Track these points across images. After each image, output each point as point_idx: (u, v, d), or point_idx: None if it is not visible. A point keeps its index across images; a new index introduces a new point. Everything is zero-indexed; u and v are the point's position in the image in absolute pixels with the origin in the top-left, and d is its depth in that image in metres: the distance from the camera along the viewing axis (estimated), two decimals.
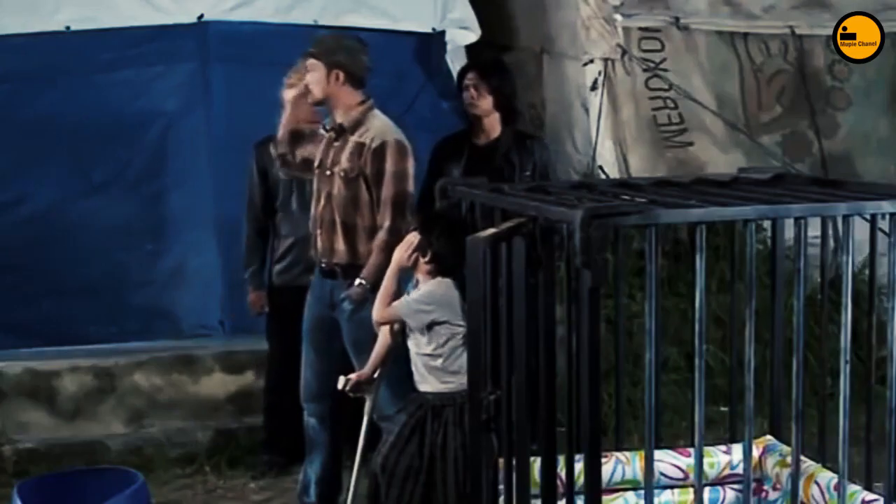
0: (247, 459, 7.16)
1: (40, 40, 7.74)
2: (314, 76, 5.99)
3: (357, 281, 5.86)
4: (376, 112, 6.08)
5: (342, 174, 5.95)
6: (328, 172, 6.01)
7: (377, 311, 5.44)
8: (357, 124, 5.99)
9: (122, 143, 7.96)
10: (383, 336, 5.59)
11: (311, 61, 5.99)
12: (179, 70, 8.06)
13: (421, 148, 8.45)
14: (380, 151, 5.92)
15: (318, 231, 6.04)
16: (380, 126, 6.01)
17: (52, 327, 7.72)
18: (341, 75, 5.97)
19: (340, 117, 6.00)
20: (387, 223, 5.89)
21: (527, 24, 9.65)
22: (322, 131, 6.15)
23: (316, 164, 6.09)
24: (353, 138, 5.97)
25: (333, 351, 6.06)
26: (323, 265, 6.05)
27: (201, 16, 8.00)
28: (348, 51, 6.03)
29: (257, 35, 8.01)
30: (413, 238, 5.37)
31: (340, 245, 5.97)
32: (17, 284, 7.75)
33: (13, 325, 7.62)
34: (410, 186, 6.00)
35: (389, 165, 5.92)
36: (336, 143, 6.02)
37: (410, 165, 6.00)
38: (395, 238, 5.77)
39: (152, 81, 8.01)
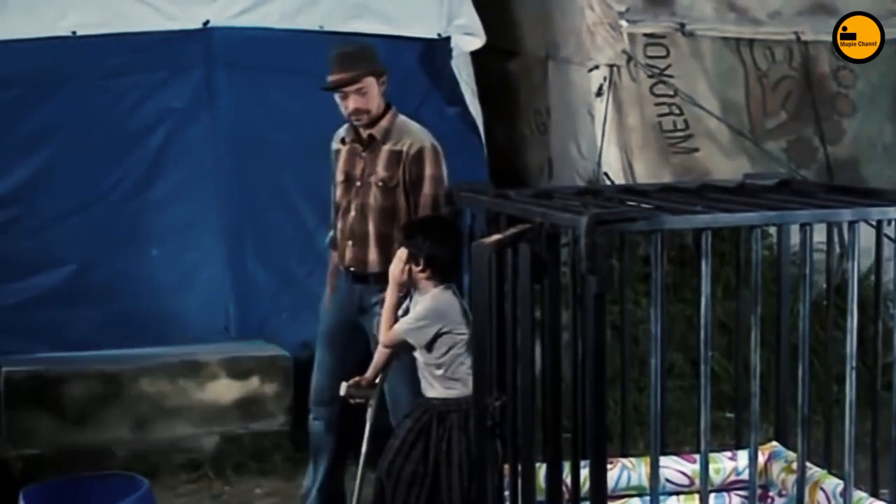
0: (252, 465, 7.16)
1: (46, 45, 7.73)
2: (371, 95, 5.92)
3: None
4: (403, 117, 6.05)
5: (380, 184, 5.93)
6: (358, 183, 5.99)
7: (382, 333, 5.44)
8: (387, 133, 5.97)
9: (127, 149, 7.95)
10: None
11: (366, 80, 5.89)
12: (185, 76, 8.04)
13: None
14: (418, 157, 5.90)
15: (349, 242, 6.02)
16: (414, 132, 6.00)
17: (57, 333, 7.72)
18: (384, 80, 5.98)
19: (370, 127, 5.98)
20: None
21: (532, 30, 9.66)
22: (337, 145, 6.15)
23: (341, 177, 6.08)
24: (387, 147, 5.94)
25: (352, 355, 6.04)
26: (352, 271, 6.06)
27: (207, 21, 8.00)
28: (377, 56, 6.04)
29: (263, 41, 8.00)
30: (403, 253, 5.37)
31: (373, 255, 5.95)
32: (23, 290, 7.75)
33: (19, 331, 7.62)
34: (444, 191, 5.95)
35: (428, 170, 5.90)
36: (364, 154, 6.00)
37: (444, 169, 5.97)
38: None
39: (158, 87, 8.00)
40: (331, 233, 6.28)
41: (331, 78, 5.93)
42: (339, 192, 6.10)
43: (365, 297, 6.00)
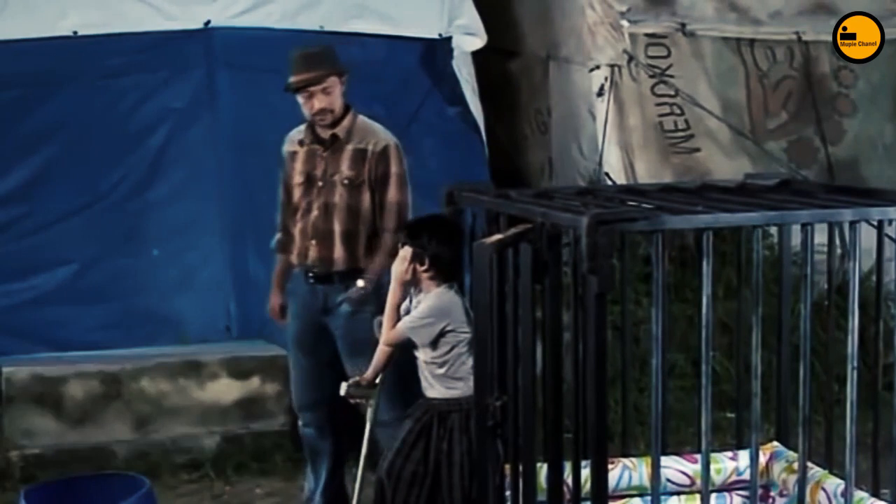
0: (253, 465, 7.16)
1: (46, 45, 7.75)
2: (335, 94, 5.98)
3: (359, 282, 5.89)
4: (362, 117, 6.10)
5: (346, 182, 5.96)
6: (320, 183, 6.01)
7: (384, 333, 5.43)
8: (350, 132, 6.01)
9: (128, 149, 7.97)
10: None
11: (330, 80, 5.95)
12: (186, 76, 8.06)
13: (427, 154, 8.48)
14: (384, 155, 5.97)
15: (312, 242, 6.02)
16: (377, 131, 6.06)
17: (57, 333, 7.72)
18: (345, 80, 6.03)
19: (332, 127, 6.00)
20: (392, 225, 5.94)
21: (533, 30, 9.66)
22: (293, 147, 6.15)
23: (300, 179, 6.08)
24: (351, 146, 5.99)
25: (324, 356, 6.07)
26: (315, 271, 6.06)
27: (208, 21, 8.01)
28: (338, 56, 6.08)
29: (263, 41, 8.01)
30: (406, 252, 5.36)
31: (339, 253, 5.98)
32: (24, 290, 7.76)
33: (20, 331, 7.62)
34: (409, 196, 6.05)
35: (394, 167, 5.98)
36: (325, 154, 6.02)
37: (406, 168, 6.05)
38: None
39: (159, 87, 8.02)
40: (277, 236, 6.28)
41: (295, 78, 5.96)
42: (297, 193, 6.10)
43: (329, 297, 6.02)
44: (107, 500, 5.17)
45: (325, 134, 6.02)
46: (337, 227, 5.98)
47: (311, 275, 6.06)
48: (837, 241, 5.11)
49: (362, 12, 8.33)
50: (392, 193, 5.97)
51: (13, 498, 5.84)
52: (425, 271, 5.33)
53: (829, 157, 9.25)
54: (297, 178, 6.09)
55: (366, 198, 5.98)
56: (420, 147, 8.47)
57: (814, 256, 4.50)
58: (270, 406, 7.38)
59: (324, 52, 6.07)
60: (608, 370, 4.16)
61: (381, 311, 5.88)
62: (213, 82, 8.06)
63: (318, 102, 5.94)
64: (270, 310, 6.35)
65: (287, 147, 6.20)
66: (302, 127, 6.13)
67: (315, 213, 6.02)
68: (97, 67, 7.86)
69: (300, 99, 5.98)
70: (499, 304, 4.50)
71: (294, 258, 6.12)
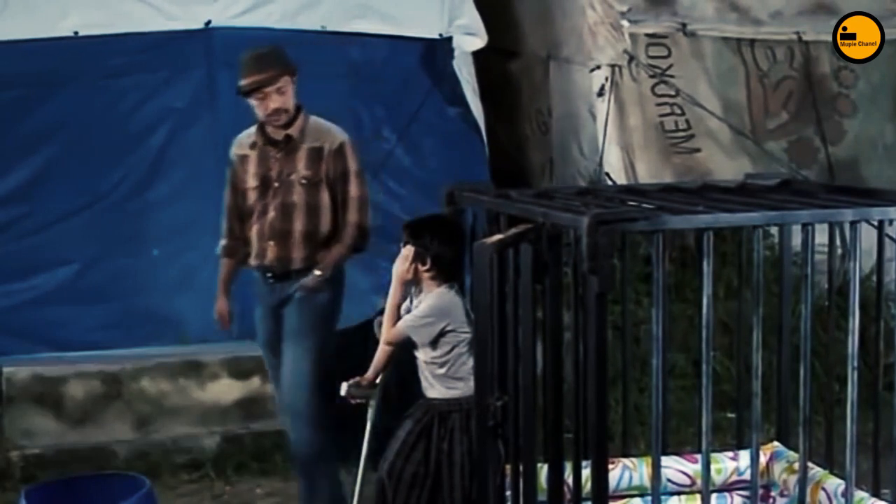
0: (253, 465, 7.16)
1: (47, 45, 7.76)
2: (288, 94, 5.96)
3: (315, 271, 5.94)
4: (313, 116, 6.08)
5: (303, 181, 5.96)
6: (276, 184, 5.99)
7: (385, 331, 5.43)
8: (303, 132, 6.00)
9: (129, 148, 7.97)
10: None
11: (283, 79, 5.93)
12: (186, 76, 8.06)
13: (427, 154, 8.48)
14: (340, 152, 5.98)
15: (270, 243, 6.02)
16: (330, 129, 6.06)
17: (58, 333, 7.72)
18: (296, 79, 6.03)
19: (286, 128, 5.98)
20: (355, 219, 5.99)
21: (533, 30, 9.66)
22: (244, 150, 6.12)
23: (254, 182, 6.05)
24: (306, 145, 5.98)
25: None
26: (273, 271, 6.05)
27: (209, 22, 8.01)
28: (287, 55, 6.06)
29: (264, 41, 7.96)
30: (408, 251, 5.36)
31: (299, 253, 5.99)
32: (24, 290, 7.76)
33: (20, 331, 7.62)
34: (367, 183, 6.11)
35: (352, 165, 6.00)
36: (279, 155, 6.00)
37: (361, 163, 6.09)
38: (362, 234, 5.97)
39: (159, 87, 8.02)
40: (222, 241, 6.27)
41: (247, 80, 5.94)
42: (252, 196, 6.07)
43: (286, 289, 6.04)
44: (107, 500, 5.18)
45: (279, 135, 6.01)
46: (296, 227, 5.98)
47: (269, 275, 6.07)
48: (838, 242, 5.11)
49: (363, 12, 8.33)
50: (353, 189, 5.99)
51: (13, 498, 5.84)
52: (427, 271, 5.33)
53: (829, 157, 9.25)
54: (251, 182, 6.07)
55: (324, 196, 5.98)
56: (420, 147, 8.49)
57: (814, 256, 4.50)
58: (270, 406, 7.36)
59: (274, 52, 6.05)
60: (608, 370, 4.16)
61: (335, 298, 5.97)
62: (213, 82, 8.05)
63: (273, 103, 5.92)
64: (218, 316, 6.34)
65: (236, 150, 6.17)
66: (251, 130, 6.11)
67: (272, 213, 6.01)
68: (98, 67, 7.87)
69: (253, 101, 5.96)
70: (499, 305, 4.50)
71: (252, 260, 6.13)
